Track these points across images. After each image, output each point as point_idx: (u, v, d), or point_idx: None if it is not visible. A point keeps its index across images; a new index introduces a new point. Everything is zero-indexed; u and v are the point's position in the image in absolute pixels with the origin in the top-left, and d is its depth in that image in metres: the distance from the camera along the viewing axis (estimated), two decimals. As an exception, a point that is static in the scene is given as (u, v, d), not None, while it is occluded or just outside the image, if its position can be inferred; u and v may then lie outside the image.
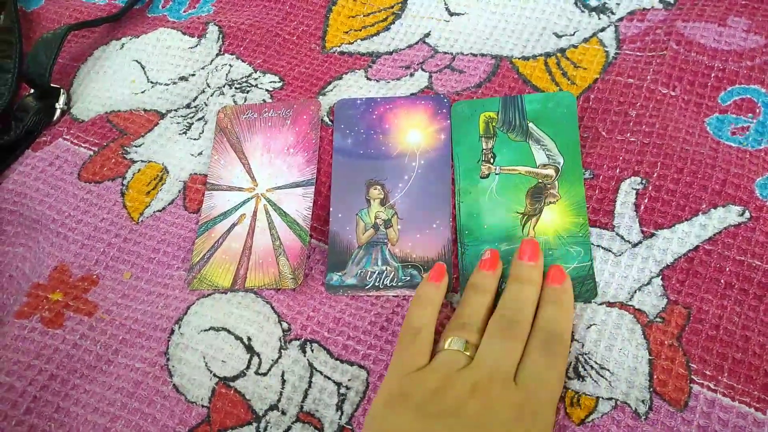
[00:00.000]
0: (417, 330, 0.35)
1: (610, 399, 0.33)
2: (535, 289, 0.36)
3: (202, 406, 0.36)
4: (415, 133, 0.43)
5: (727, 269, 0.36)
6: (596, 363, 0.34)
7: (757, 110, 0.41)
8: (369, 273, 0.39)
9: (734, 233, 0.37)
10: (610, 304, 0.36)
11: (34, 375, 0.39)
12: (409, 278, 0.39)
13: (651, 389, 0.33)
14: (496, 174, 0.41)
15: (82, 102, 0.51)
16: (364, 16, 0.52)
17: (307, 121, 0.45)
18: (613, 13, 0.47)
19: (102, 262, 0.43)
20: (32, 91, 0.51)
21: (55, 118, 0.51)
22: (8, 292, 0.44)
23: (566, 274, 0.37)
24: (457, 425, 0.30)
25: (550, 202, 0.39)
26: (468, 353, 0.34)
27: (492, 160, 0.41)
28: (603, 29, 0.47)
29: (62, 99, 0.51)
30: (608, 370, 0.34)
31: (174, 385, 0.37)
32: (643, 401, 0.33)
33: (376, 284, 0.38)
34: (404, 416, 0.31)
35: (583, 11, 0.48)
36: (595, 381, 0.34)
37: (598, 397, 0.33)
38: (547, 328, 0.34)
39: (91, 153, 0.48)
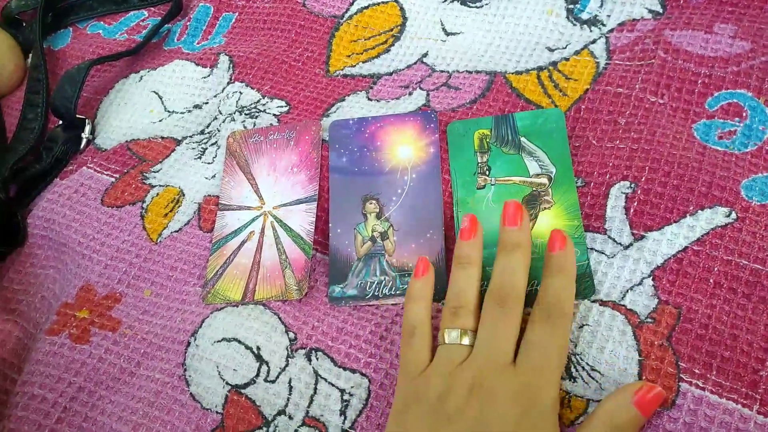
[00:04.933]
0: (412, 329, 0.36)
1: (600, 401, 0.34)
2: (524, 253, 0.36)
3: (217, 412, 0.39)
4: (405, 149, 0.45)
5: (716, 269, 0.36)
6: (588, 364, 0.35)
7: (744, 114, 0.42)
8: (369, 283, 0.41)
9: (721, 234, 0.37)
10: (603, 303, 0.37)
11: (64, 387, 0.42)
12: (406, 286, 0.40)
13: (639, 389, 0.34)
14: (492, 185, 0.43)
15: (105, 132, 0.54)
16: (365, 39, 0.54)
17: (309, 141, 0.47)
18: (603, 25, 0.49)
19: (124, 281, 0.46)
20: (60, 122, 0.55)
21: (81, 147, 0.54)
22: (41, 312, 0.47)
23: (567, 236, 0.36)
24: (462, 429, 0.32)
25: (545, 208, 0.41)
26: (466, 342, 0.35)
27: (487, 173, 0.43)
28: (594, 41, 0.48)
29: (87, 129, 0.54)
30: (599, 372, 0.35)
31: (191, 393, 0.40)
32: (631, 400, 0.34)
33: (376, 294, 0.40)
34: (418, 419, 0.34)
35: (575, 24, 0.50)
36: (586, 383, 0.35)
37: (588, 399, 0.34)
38: (548, 299, 0.34)
39: (113, 180, 0.51)
